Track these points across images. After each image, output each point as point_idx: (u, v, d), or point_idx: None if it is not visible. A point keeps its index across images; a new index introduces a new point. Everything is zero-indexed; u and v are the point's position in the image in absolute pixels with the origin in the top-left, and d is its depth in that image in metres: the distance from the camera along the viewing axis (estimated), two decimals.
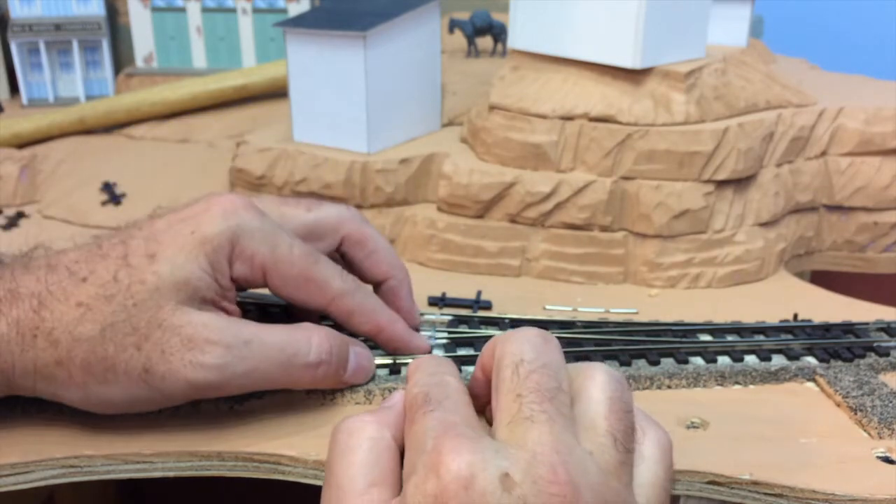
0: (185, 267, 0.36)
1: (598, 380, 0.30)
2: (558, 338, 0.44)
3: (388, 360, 0.42)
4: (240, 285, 0.39)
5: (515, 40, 0.62)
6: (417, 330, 0.45)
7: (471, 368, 0.42)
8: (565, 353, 0.44)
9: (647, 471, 0.29)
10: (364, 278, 0.44)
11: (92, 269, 0.36)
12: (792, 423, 0.39)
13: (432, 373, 0.32)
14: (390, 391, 0.40)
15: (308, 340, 0.37)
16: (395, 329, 0.42)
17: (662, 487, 0.29)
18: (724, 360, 0.44)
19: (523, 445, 0.26)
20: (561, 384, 0.29)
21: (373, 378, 0.41)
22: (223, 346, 0.35)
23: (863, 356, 0.44)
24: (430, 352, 0.44)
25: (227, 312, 0.38)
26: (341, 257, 0.44)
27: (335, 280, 0.40)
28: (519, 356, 0.30)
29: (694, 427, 0.39)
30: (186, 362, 0.35)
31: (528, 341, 0.30)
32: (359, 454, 0.30)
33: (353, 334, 0.42)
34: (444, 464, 0.26)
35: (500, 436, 0.28)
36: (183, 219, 0.38)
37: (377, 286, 0.45)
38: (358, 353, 0.40)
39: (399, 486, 0.29)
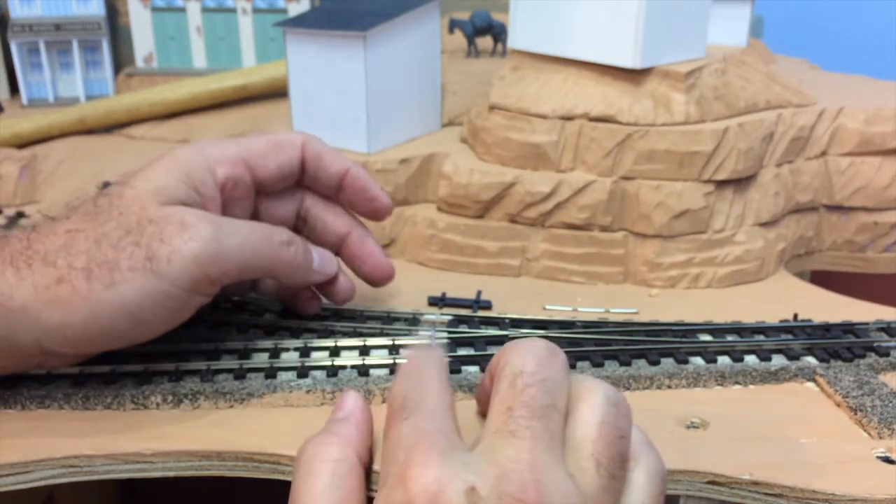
0: (162, 178, 0.39)
1: (593, 401, 0.29)
2: (558, 338, 0.45)
3: (388, 361, 0.42)
4: (228, 191, 0.42)
5: (515, 40, 0.62)
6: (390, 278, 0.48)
7: (471, 368, 0.43)
8: (566, 352, 0.44)
9: (633, 499, 0.29)
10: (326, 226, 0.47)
11: (74, 208, 0.39)
12: (792, 423, 0.39)
13: (414, 374, 0.32)
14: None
15: (276, 227, 0.42)
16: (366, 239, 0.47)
17: None
18: (724, 360, 0.44)
19: (497, 461, 0.26)
20: (556, 402, 0.29)
21: (372, 378, 0.41)
22: (214, 223, 0.38)
23: (863, 356, 0.44)
24: (391, 277, 0.48)
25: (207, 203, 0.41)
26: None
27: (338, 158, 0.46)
28: (519, 368, 0.29)
29: (694, 427, 0.39)
30: (186, 239, 0.37)
31: (533, 353, 0.30)
32: (322, 478, 0.30)
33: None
34: (411, 477, 0.25)
35: (481, 446, 0.27)
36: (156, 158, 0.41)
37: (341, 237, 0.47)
38: (321, 251, 0.45)
39: (365, 502, 0.29)
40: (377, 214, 0.47)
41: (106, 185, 0.70)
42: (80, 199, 0.40)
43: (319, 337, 0.45)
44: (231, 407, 0.40)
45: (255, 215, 0.45)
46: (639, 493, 0.29)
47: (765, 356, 0.44)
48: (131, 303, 0.36)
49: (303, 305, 0.47)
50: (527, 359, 0.30)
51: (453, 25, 0.87)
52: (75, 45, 0.92)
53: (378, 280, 0.48)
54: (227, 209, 0.43)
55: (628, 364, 0.43)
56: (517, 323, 0.48)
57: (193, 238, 0.37)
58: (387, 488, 0.26)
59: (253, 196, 0.44)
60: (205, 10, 0.92)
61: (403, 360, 0.34)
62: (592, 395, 0.29)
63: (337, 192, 0.47)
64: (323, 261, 0.45)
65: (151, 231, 0.37)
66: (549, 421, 0.28)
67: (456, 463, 0.26)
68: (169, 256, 0.36)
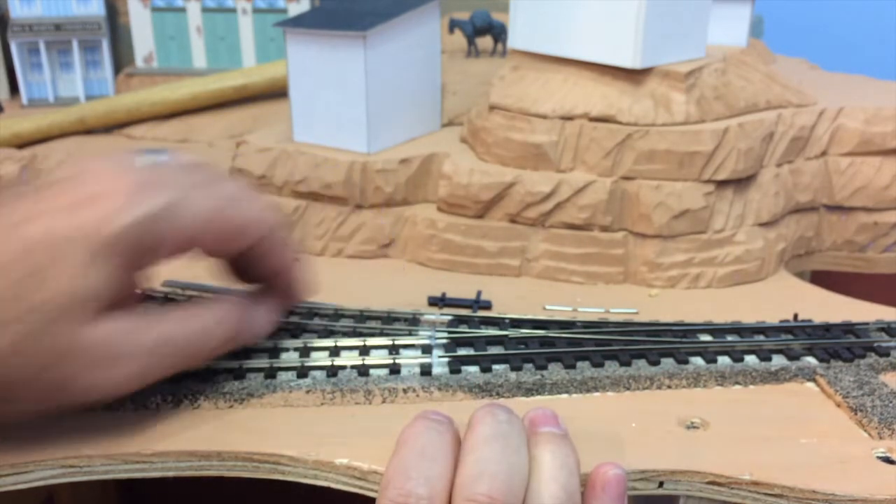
0: (89, 281, 0.32)
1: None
2: (558, 338, 0.45)
3: (387, 361, 0.42)
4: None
5: (515, 40, 0.62)
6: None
7: (471, 368, 0.42)
8: (566, 352, 0.44)
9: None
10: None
11: None
12: (792, 423, 0.39)
13: (419, 468, 0.32)
14: (390, 391, 0.40)
15: (214, 321, 0.37)
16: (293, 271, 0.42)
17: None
18: (724, 361, 0.44)
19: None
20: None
21: (372, 378, 0.41)
22: (137, 358, 0.34)
23: (863, 356, 0.44)
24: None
25: (131, 305, 0.35)
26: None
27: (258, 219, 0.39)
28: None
29: (694, 427, 0.39)
30: (104, 378, 0.33)
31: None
32: None
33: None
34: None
35: None
36: (74, 210, 0.32)
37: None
38: (256, 315, 0.41)
39: None
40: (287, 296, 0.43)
41: None
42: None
43: (319, 337, 0.45)
44: (231, 407, 0.40)
45: None
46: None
47: (765, 356, 0.44)
48: (27, 413, 0.34)
49: None
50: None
51: (453, 25, 0.87)
52: (75, 44, 0.92)
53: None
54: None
55: (628, 364, 0.43)
56: (517, 323, 0.47)
57: (112, 379, 0.33)
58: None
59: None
60: (205, 9, 0.92)
61: (405, 430, 0.34)
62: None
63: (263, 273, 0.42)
64: (259, 333, 0.41)
65: (68, 363, 0.32)
66: None
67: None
68: (85, 390, 0.33)
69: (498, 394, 0.41)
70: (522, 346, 0.44)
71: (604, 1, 0.56)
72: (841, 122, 0.62)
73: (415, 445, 0.32)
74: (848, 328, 0.47)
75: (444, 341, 0.45)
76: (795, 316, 0.49)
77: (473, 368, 0.42)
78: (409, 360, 0.43)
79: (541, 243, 0.57)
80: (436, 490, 0.30)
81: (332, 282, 0.56)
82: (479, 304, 0.51)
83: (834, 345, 0.45)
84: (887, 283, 0.65)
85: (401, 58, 0.63)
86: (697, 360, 0.44)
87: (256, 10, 0.92)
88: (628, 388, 0.42)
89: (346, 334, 0.46)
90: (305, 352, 0.43)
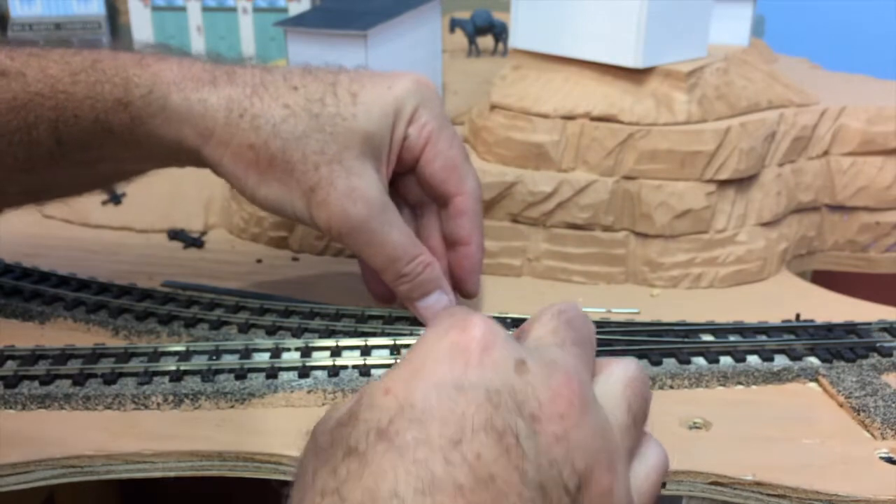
0: (377, 121, 0.42)
1: (624, 363, 0.29)
2: None
3: (389, 361, 0.42)
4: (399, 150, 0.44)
5: (517, 39, 0.62)
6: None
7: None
8: None
9: (638, 474, 0.28)
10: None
11: (304, 82, 0.42)
12: (794, 423, 0.39)
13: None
14: None
15: (413, 260, 0.43)
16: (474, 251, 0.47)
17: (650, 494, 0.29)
18: (726, 361, 0.44)
19: (544, 356, 0.26)
20: (593, 342, 0.29)
21: (374, 378, 0.41)
22: (373, 208, 0.41)
23: (865, 356, 0.44)
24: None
25: (383, 174, 0.43)
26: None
27: (473, 180, 0.46)
28: (561, 308, 0.30)
29: (696, 427, 0.39)
30: (341, 203, 0.41)
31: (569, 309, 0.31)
32: None
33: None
34: (473, 324, 0.25)
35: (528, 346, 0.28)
36: (382, 75, 0.44)
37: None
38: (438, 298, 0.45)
39: None
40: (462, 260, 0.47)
41: None
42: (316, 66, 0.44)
43: (321, 337, 0.45)
44: (232, 407, 0.39)
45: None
46: (648, 469, 0.29)
47: (767, 356, 0.44)
48: (276, 200, 0.42)
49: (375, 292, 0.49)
50: (565, 306, 0.30)
51: (454, 25, 0.86)
52: (75, 44, 0.92)
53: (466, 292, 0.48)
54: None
55: None
56: (518, 323, 0.47)
57: (344, 208, 0.41)
58: (440, 328, 0.26)
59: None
60: (205, 9, 0.92)
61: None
62: (622, 360, 0.30)
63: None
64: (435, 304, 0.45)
65: (334, 170, 0.41)
66: (586, 352, 0.28)
67: (512, 341, 0.26)
68: (322, 201, 0.41)
69: None
70: None
71: (605, 0, 0.56)
72: (843, 121, 0.61)
73: None
74: (850, 328, 0.47)
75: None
76: (797, 316, 0.48)
77: None
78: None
79: (542, 243, 0.57)
80: None
81: (333, 282, 0.56)
82: None
83: (836, 345, 0.45)
84: (889, 283, 0.64)
85: (402, 57, 0.63)
86: (699, 360, 0.44)
87: (257, 10, 0.92)
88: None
89: (347, 334, 0.46)
90: (307, 352, 0.43)
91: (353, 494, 0.22)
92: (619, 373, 0.29)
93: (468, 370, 0.24)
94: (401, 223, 0.43)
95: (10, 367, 0.41)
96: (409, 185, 0.46)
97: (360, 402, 0.24)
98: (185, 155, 0.42)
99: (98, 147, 0.41)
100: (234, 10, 0.91)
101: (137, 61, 0.41)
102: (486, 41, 0.89)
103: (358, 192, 0.41)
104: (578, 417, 0.24)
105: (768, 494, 0.35)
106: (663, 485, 0.35)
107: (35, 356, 0.42)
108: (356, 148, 0.41)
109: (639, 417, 0.28)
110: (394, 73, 0.44)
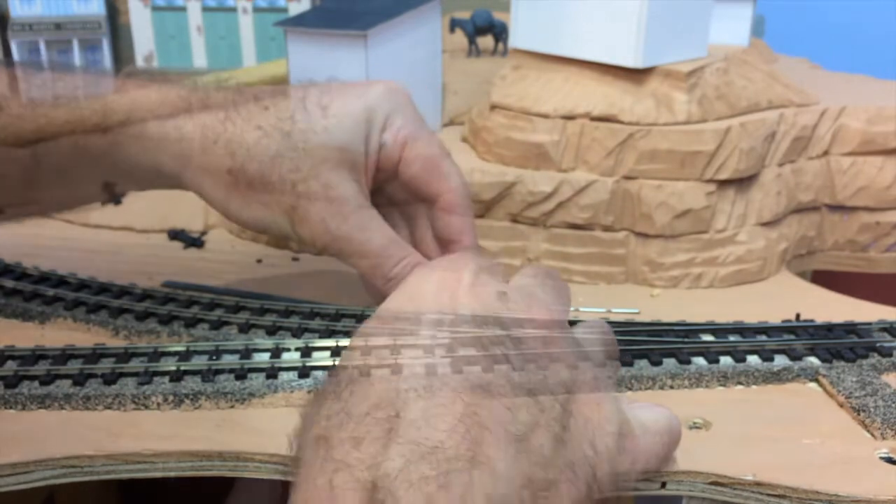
0: (350, 132, 0.42)
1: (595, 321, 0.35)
2: None
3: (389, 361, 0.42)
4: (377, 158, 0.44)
5: (517, 39, 0.62)
6: None
7: (473, 368, 0.42)
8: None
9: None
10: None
11: (274, 101, 0.42)
12: (794, 423, 0.39)
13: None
14: None
15: (399, 262, 0.43)
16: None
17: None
18: (726, 361, 0.44)
19: (524, 291, 0.32)
20: (568, 295, 0.35)
21: None
22: (351, 216, 0.42)
23: (865, 356, 0.44)
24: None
25: (361, 183, 0.44)
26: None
27: (456, 177, 0.45)
28: (541, 265, 0.41)
29: (696, 428, 0.39)
30: (320, 218, 0.41)
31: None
32: None
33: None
34: (463, 265, 0.31)
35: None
36: (352, 86, 0.44)
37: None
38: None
39: None
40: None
41: (106, 184, 0.70)
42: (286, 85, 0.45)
43: (321, 337, 0.45)
44: (232, 407, 0.39)
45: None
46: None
47: (767, 356, 0.44)
48: (259, 219, 0.43)
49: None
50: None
51: (454, 25, 0.86)
52: (75, 44, 0.92)
53: None
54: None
55: (630, 364, 0.43)
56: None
57: (325, 222, 0.41)
58: (431, 266, 0.32)
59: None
60: (205, 9, 0.92)
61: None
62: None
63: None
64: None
65: (311, 186, 0.41)
66: (563, 298, 0.34)
67: (496, 279, 0.32)
68: (303, 217, 0.41)
69: None
70: None
71: (605, 1, 0.56)
72: (843, 121, 0.61)
73: None
74: (850, 328, 0.47)
75: (446, 341, 0.44)
76: (798, 316, 0.48)
77: (475, 368, 0.42)
78: (411, 361, 0.42)
79: (542, 243, 0.57)
80: None
81: (333, 282, 0.56)
82: None
83: (836, 345, 0.45)
84: (889, 283, 0.64)
85: (402, 57, 0.63)
86: (699, 361, 0.44)
87: (257, 10, 0.92)
88: (630, 389, 0.42)
89: (347, 334, 0.45)
90: (307, 352, 0.43)
91: (359, 408, 0.25)
92: (596, 323, 0.34)
93: (456, 301, 0.29)
94: (383, 228, 0.43)
95: (10, 367, 0.41)
96: (396, 190, 0.46)
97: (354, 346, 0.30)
98: (164, 180, 0.43)
99: (76, 169, 0.42)
100: (234, 10, 0.91)
101: (118, 87, 0.42)
102: (486, 41, 0.89)
103: (335, 204, 0.42)
104: (559, 338, 0.29)
105: (768, 494, 0.35)
106: (663, 485, 0.35)
107: (35, 356, 0.42)
108: (331, 160, 0.41)
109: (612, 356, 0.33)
110: (364, 82, 0.45)
